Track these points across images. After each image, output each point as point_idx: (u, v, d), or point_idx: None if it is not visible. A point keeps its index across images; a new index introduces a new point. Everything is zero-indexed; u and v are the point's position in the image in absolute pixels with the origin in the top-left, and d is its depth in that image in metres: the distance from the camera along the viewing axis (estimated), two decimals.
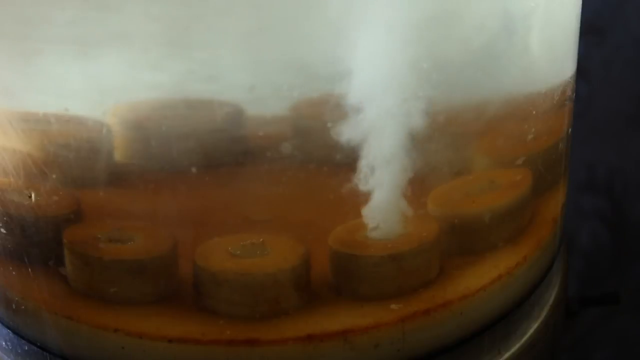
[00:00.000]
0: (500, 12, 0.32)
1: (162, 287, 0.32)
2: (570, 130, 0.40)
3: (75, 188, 0.31)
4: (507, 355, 0.35)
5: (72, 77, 0.29)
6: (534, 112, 0.35)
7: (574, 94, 0.39)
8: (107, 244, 0.31)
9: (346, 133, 0.29)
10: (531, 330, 0.37)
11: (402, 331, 0.31)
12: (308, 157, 0.30)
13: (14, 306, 0.34)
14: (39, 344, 0.34)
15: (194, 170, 0.30)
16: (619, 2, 0.68)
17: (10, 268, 0.33)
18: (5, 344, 0.35)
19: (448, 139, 0.32)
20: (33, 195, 0.31)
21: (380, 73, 0.29)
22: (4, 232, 0.33)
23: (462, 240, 0.34)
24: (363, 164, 0.30)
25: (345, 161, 0.30)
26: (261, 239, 0.31)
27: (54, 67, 0.30)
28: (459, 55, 0.31)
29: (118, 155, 0.32)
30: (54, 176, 0.31)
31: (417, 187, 0.31)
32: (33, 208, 0.32)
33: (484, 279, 0.34)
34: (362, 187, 0.30)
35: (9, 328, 0.35)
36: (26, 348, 0.34)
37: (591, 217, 0.73)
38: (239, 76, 0.29)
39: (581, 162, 0.71)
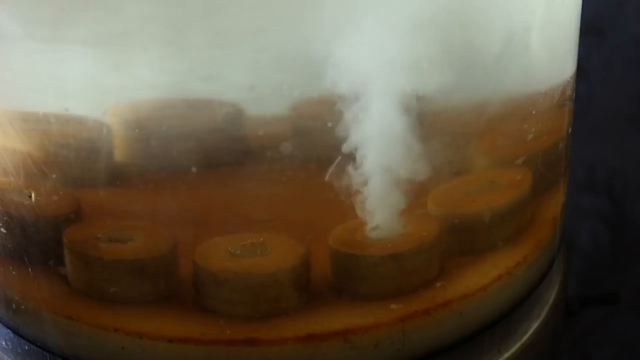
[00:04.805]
0: (501, 12, 0.32)
1: (162, 287, 0.32)
2: (570, 130, 0.40)
3: (75, 188, 0.31)
4: (507, 355, 0.35)
5: (72, 77, 0.29)
6: (534, 112, 0.35)
7: (574, 94, 0.39)
8: (107, 244, 0.31)
9: (346, 133, 0.29)
10: (531, 330, 0.37)
11: (402, 331, 0.31)
12: (308, 157, 0.30)
13: (14, 306, 0.34)
14: (39, 344, 0.34)
15: (194, 170, 0.30)
16: (619, 2, 0.68)
17: (10, 268, 0.33)
18: (5, 344, 0.35)
19: (448, 139, 0.32)
20: (33, 195, 0.31)
21: (380, 73, 0.29)
22: (4, 232, 0.33)
23: (462, 240, 0.34)
24: (363, 164, 0.30)
25: (345, 161, 0.30)
26: (261, 239, 0.31)
27: (54, 67, 0.30)
28: (458, 55, 0.31)
29: (118, 155, 0.32)
30: (54, 176, 0.31)
31: (417, 187, 0.31)
32: (33, 208, 0.32)
33: (484, 278, 0.34)
34: (362, 186, 0.30)
35: (9, 328, 0.35)
36: (26, 348, 0.34)
37: (591, 217, 0.73)
38: (239, 76, 0.29)
39: (581, 162, 0.71)
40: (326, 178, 0.30)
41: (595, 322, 0.72)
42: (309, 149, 0.30)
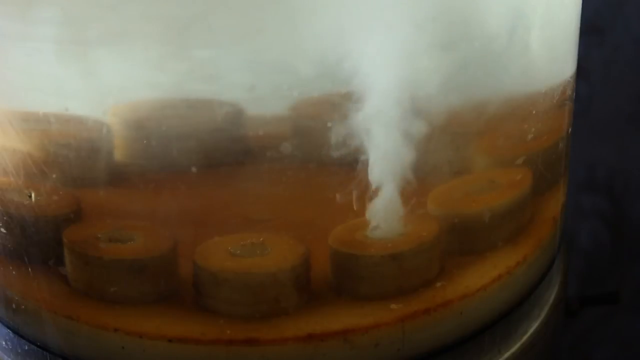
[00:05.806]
0: (501, 11, 0.32)
1: (162, 287, 0.32)
2: (570, 130, 0.40)
3: (75, 188, 0.31)
4: (507, 355, 0.35)
5: (72, 77, 0.29)
6: (534, 112, 0.35)
7: (574, 94, 0.39)
8: (107, 244, 0.31)
9: (346, 133, 0.29)
10: (531, 330, 0.37)
11: (402, 331, 0.31)
12: (308, 157, 0.30)
13: (14, 306, 0.34)
14: (39, 344, 0.34)
15: (194, 170, 0.30)
16: (619, 2, 0.68)
17: (10, 268, 0.33)
18: (5, 343, 0.35)
19: (448, 139, 0.32)
20: (33, 195, 0.31)
21: (380, 73, 0.29)
22: (4, 232, 0.33)
23: (462, 240, 0.34)
24: (363, 164, 0.30)
25: (345, 161, 0.30)
26: (261, 239, 0.31)
27: (54, 67, 0.30)
28: (459, 54, 0.31)
29: (118, 155, 0.32)
30: (54, 176, 0.31)
31: (417, 186, 0.31)
32: (33, 208, 0.32)
33: (484, 278, 0.34)
34: (362, 186, 0.30)
35: (9, 328, 0.35)
36: (26, 348, 0.34)
37: (591, 217, 0.73)
38: (239, 76, 0.29)
39: (581, 162, 0.71)
40: (326, 178, 0.30)
41: (595, 322, 0.72)
42: (309, 149, 0.30)
